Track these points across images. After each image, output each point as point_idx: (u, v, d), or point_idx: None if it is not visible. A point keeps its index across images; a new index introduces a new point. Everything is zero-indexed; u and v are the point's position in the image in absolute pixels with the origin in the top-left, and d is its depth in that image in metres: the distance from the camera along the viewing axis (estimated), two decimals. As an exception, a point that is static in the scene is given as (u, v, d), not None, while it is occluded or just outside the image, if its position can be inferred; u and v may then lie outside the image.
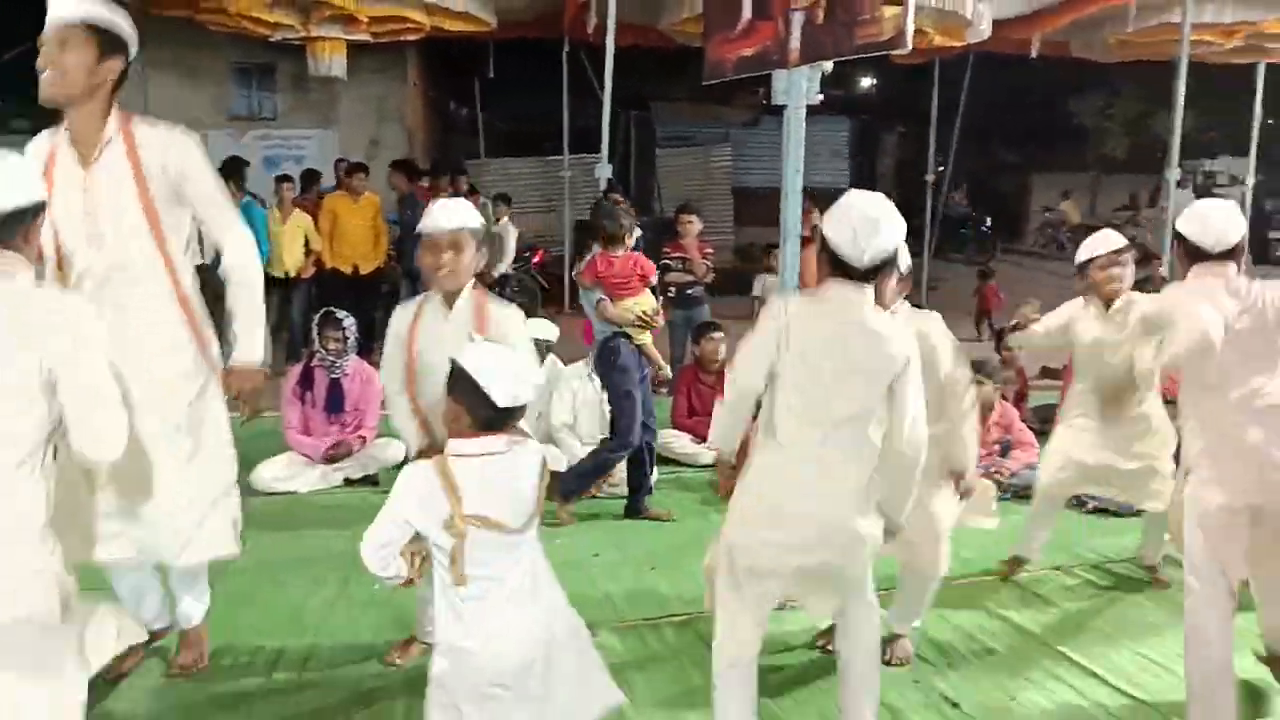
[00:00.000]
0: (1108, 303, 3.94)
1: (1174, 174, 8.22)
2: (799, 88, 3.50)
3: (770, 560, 2.60)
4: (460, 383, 2.21)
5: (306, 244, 8.31)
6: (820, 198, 5.80)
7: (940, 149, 13.05)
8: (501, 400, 2.19)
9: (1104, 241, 3.99)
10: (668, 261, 7.30)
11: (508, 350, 2.33)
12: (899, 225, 2.54)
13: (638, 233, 8.33)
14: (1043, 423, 5.73)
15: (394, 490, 2.26)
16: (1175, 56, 8.02)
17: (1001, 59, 11.10)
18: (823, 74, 6.83)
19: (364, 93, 12.84)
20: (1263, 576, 2.99)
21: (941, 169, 13.63)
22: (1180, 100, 7.90)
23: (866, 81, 22.94)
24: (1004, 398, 5.76)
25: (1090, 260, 3.94)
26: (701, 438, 5.86)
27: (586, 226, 4.97)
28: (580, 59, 11.70)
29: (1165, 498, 3.81)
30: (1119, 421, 3.96)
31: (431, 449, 2.78)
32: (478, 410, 2.20)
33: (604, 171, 8.30)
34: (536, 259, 11.40)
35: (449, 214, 2.95)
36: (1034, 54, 9.91)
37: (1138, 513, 4.89)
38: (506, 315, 2.97)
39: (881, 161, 22.08)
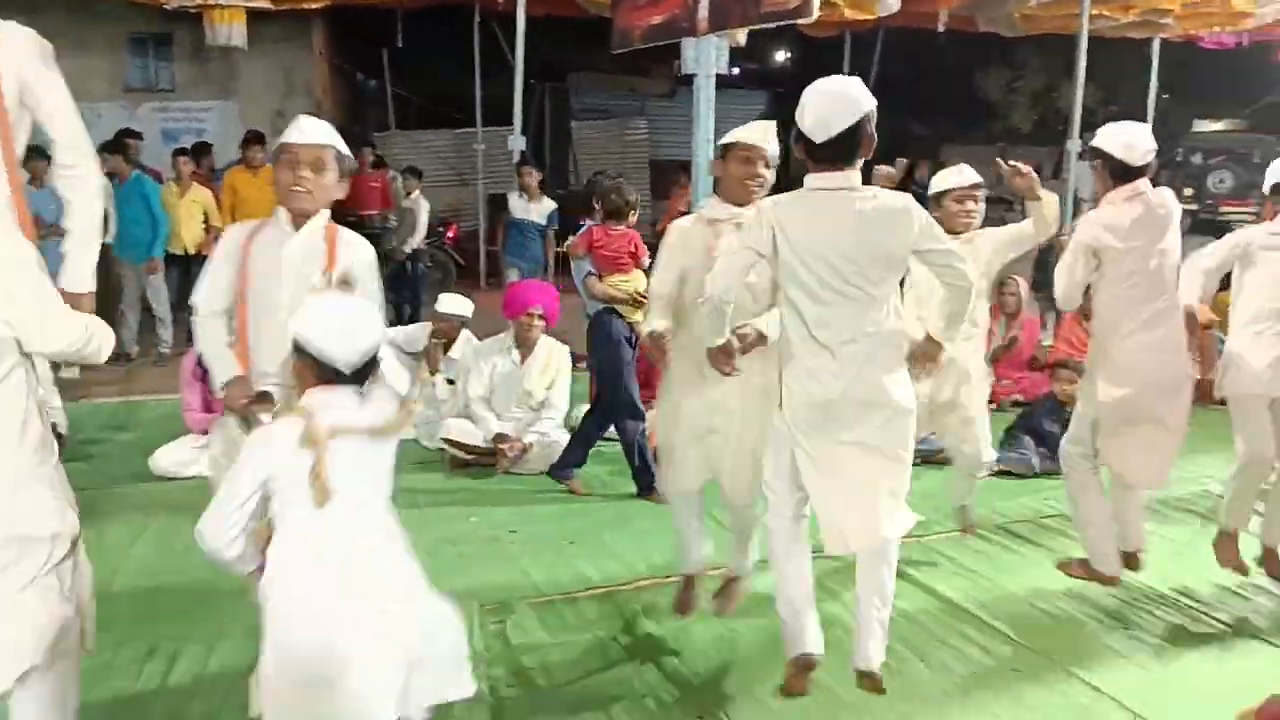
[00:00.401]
0: (954, 236, 3.91)
1: (1075, 145, 8.47)
2: (708, 57, 3.47)
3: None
4: (300, 347, 2.13)
5: (206, 220, 8.01)
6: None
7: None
8: (343, 362, 2.11)
9: (960, 175, 3.97)
10: (583, 235, 7.27)
11: (345, 305, 2.18)
12: (854, 99, 2.56)
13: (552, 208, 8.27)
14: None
15: (241, 453, 2.18)
16: (1076, 31, 8.23)
17: (911, 33, 11.26)
18: (738, 46, 6.79)
19: (267, 63, 12.39)
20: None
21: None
22: (1081, 74, 8.12)
23: (781, 55, 23.07)
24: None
25: (946, 191, 3.92)
26: (620, 412, 5.84)
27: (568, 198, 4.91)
28: (492, 29, 11.49)
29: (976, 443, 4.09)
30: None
31: (244, 382, 2.65)
32: (323, 372, 2.12)
33: (517, 144, 8.21)
34: (450, 234, 11.21)
35: (314, 128, 2.73)
36: (941, 28, 10.06)
37: (1038, 474, 5.09)
38: (358, 252, 2.74)
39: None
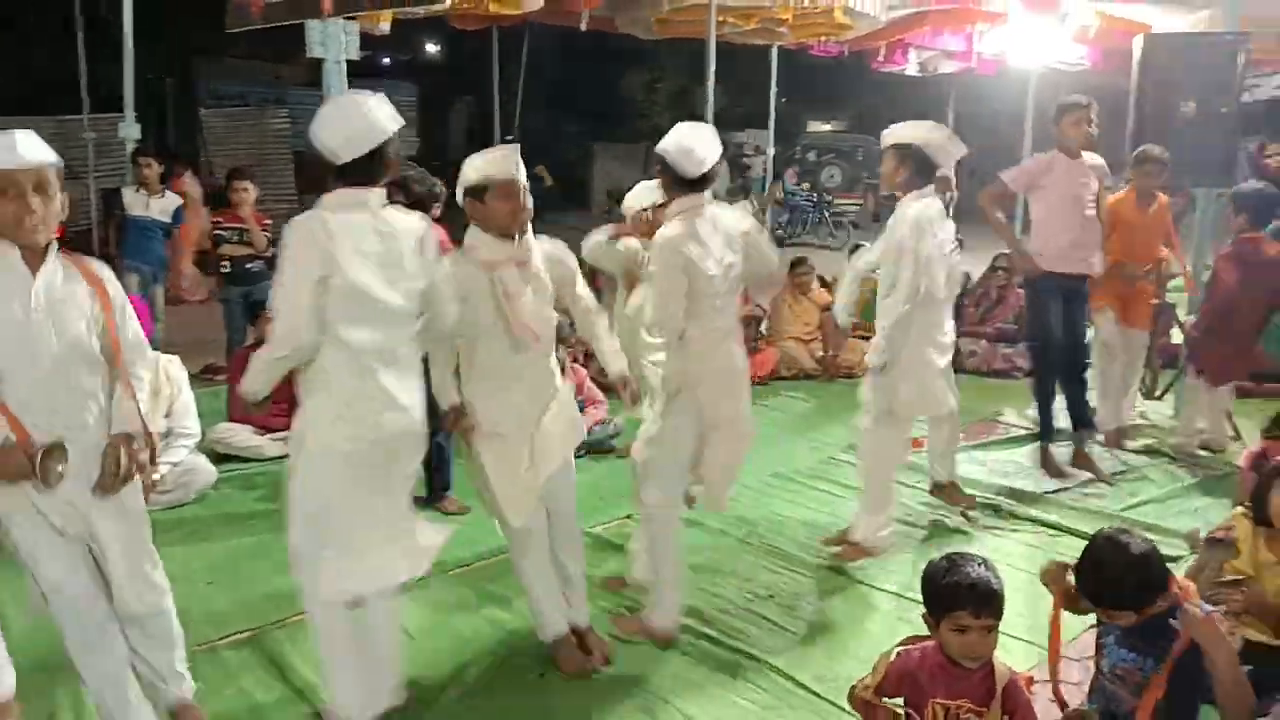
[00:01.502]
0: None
1: (709, 144, 8.99)
2: (337, 40, 3.21)
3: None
4: None
5: None
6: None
7: (506, 118, 13.21)
8: None
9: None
10: (221, 233, 6.60)
11: None
12: (377, 122, 2.52)
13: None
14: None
15: None
16: (706, 36, 8.73)
17: (558, 31, 11.44)
18: (382, 35, 6.41)
19: None
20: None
21: (510, 138, 13.81)
22: (711, 77, 8.62)
23: (432, 48, 22.67)
24: (574, 359, 5.92)
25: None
26: (265, 428, 5.34)
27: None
28: (99, 5, 10.16)
29: None
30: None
31: (18, 450, 2.26)
32: None
33: (130, 132, 7.30)
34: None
35: (29, 145, 2.32)
36: (584, 27, 10.28)
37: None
38: (109, 276, 2.52)
39: (452, 129, 21.99)
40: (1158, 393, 6.35)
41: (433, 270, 2.72)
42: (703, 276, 3.16)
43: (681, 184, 3.21)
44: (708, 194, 3.26)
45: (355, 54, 3.28)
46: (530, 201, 3.02)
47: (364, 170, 2.51)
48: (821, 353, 7.32)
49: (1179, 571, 2.54)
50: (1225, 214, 5.45)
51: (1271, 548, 2.79)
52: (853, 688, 2.40)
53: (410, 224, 2.68)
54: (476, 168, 2.99)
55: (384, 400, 2.57)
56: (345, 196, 2.53)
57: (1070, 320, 5.02)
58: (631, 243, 4.22)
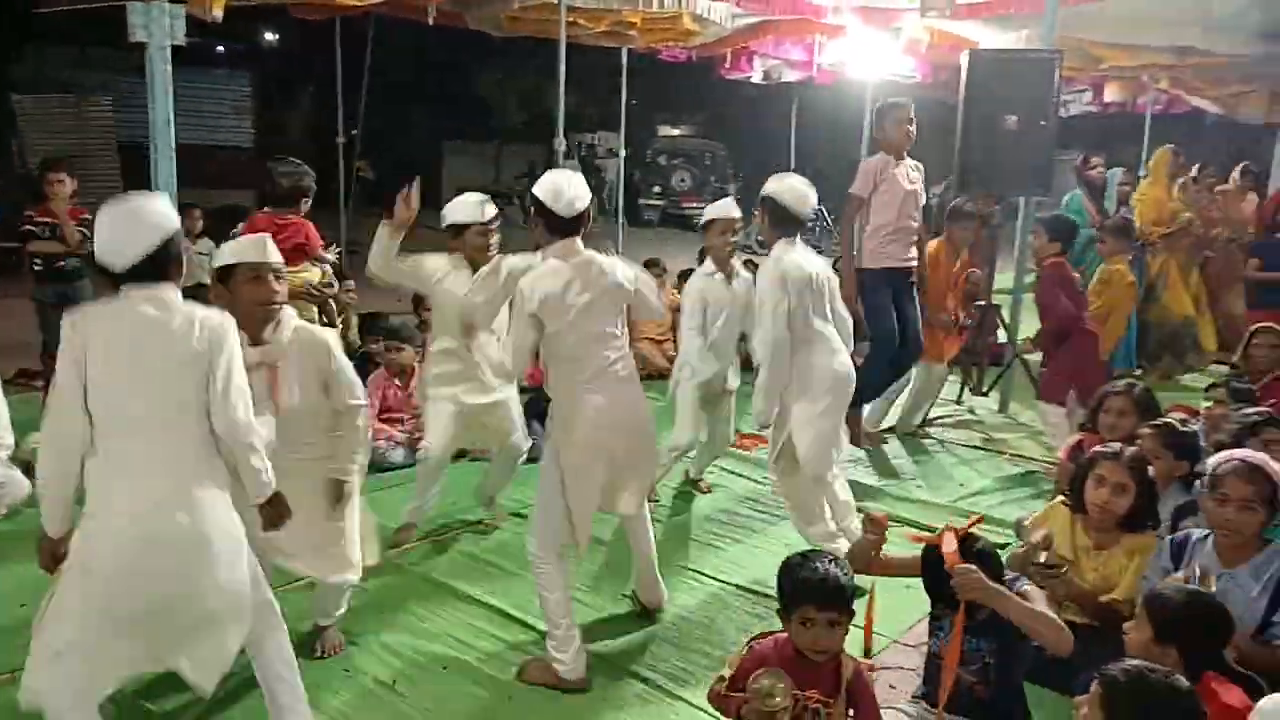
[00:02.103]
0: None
1: (560, 145, 8.97)
2: (161, 25, 3.02)
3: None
4: None
5: None
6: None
7: (351, 111, 12.78)
8: None
9: (477, 210, 3.94)
10: (32, 228, 6.10)
11: None
12: (155, 222, 2.36)
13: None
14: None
15: None
16: (557, 36, 8.70)
17: (406, 24, 11.14)
18: (214, 22, 6.10)
19: None
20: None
21: (355, 132, 13.35)
22: (562, 77, 8.60)
23: (271, 36, 21.70)
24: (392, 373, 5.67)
25: (466, 225, 3.91)
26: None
27: None
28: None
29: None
30: (477, 364, 3.95)
31: None
32: None
33: (-73, 118, 6.68)
34: None
35: None
36: (431, 21, 10.06)
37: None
38: None
39: (291, 121, 21.11)
40: (984, 389, 6.73)
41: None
42: (559, 322, 3.03)
43: (555, 227, 3.11)
44: (579, 241, 3.14)
45: (181, 39, 3.09)
46: (284, 292, 2.86)
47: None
48: (674, 353, 7.41)
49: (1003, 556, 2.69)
50: (1035, 235, 5.72)
51: (1086, 533, 3.00)
52: (712, 688, 2.44)
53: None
54: (228, 249, 2.88)
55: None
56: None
57: (903, 314, 5.29)
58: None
